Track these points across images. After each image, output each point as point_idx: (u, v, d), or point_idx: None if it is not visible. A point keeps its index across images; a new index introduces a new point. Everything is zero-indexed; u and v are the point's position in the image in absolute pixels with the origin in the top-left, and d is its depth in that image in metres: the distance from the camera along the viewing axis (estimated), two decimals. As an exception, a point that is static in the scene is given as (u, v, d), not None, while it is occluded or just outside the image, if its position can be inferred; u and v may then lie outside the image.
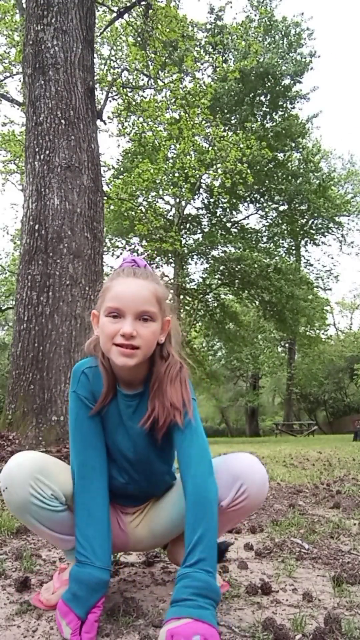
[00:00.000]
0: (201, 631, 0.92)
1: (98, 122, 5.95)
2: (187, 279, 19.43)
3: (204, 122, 11.00)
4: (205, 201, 19.86)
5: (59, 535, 1.21)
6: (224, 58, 16.45)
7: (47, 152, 4.68)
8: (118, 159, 17.06)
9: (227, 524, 1.28)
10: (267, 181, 19.04)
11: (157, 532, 1.34)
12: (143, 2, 8.30)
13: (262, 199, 20.78)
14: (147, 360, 1.23)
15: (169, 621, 0.96)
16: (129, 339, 1.13)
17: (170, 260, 19.09)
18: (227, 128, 16.25)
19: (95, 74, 5.83)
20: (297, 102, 19.36)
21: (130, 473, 1.29)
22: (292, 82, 18.64)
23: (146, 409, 1.23)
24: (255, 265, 17.14)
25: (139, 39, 10.42)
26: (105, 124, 12.10)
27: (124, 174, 13.64)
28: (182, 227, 19.16)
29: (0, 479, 1.16)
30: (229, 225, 20.74)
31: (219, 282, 19.64)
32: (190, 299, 19.93)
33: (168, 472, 1.34)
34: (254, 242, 19.93)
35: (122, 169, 15.98)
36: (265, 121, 18.90)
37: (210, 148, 11.87)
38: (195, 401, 1.26)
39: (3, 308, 17.50)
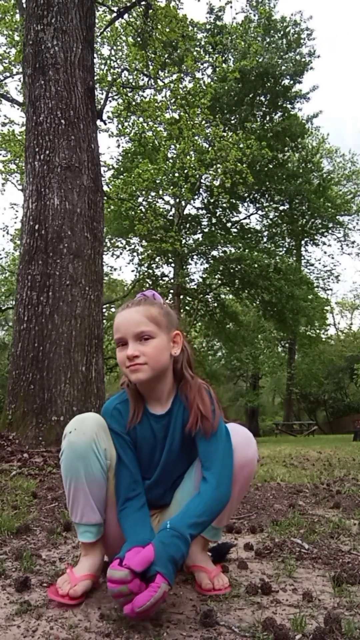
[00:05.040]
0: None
1: (98, 122, 5.95)
2: (187, 279, 19.41)
3: (204, 122, 10.99)
4: (205, 201, 19.86)
5: (91, 500, 1.30)
6: (223, 58, 16.44)
7: (47, 152, 4.68)
8: (118, 159, 17.04)
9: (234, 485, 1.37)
10: (267, 181, 19.05)
11: None
12: (143, 2, 8.30)
13: (262, 199, 20.79)
14: (171, 378, 1.39)
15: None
16: (133, 360, 1.28)
17: (170, 260, 19.08)
18: (227, 128, 16.24)
19: (95, 74, 5.83)
20: (297, 102, 19.38)
21: (154, 479, 1.41)
22: (291, 82, 18.65)
23: (177, 426, 1.37)
24: (255, 265, 17.14)
25: (139, 39, 10.41)
26: (105, 124, 12.10)
27: (124, 174, 13.63)
28: (182, 227, 19.15)
29: (69, 424, 1.32)
30: (229, 225, 20.73)
31: (219, 282, 19.62)
32: (190, 299, 19.92)
33: (185, 471, 1.45)
34: (254, 242, 19.93)
35: (122, 169, 15.96)
36: (265, 121, 18.90)
37: (210, 148, 11.86)
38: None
39: (3, 308, 17.47)
